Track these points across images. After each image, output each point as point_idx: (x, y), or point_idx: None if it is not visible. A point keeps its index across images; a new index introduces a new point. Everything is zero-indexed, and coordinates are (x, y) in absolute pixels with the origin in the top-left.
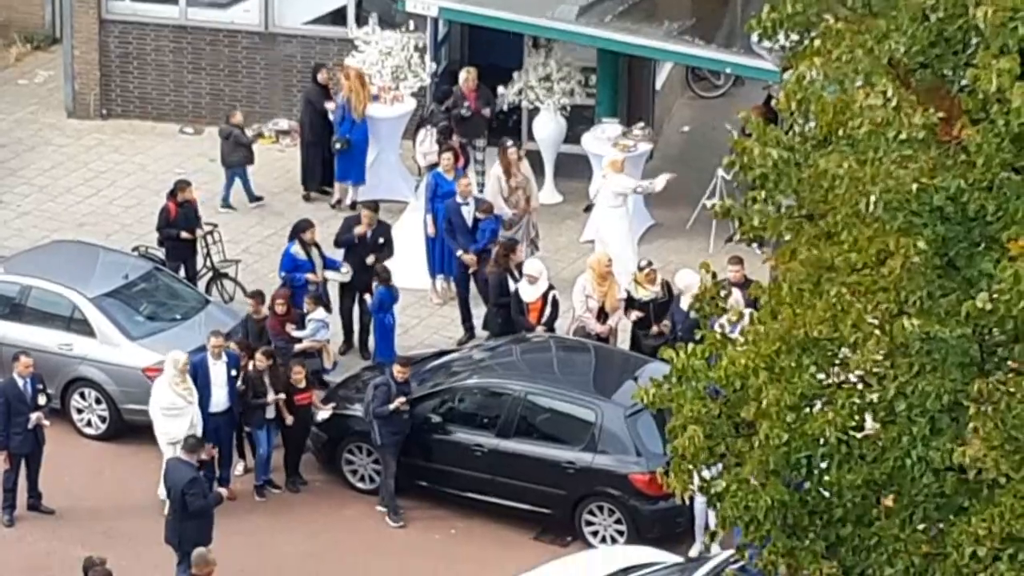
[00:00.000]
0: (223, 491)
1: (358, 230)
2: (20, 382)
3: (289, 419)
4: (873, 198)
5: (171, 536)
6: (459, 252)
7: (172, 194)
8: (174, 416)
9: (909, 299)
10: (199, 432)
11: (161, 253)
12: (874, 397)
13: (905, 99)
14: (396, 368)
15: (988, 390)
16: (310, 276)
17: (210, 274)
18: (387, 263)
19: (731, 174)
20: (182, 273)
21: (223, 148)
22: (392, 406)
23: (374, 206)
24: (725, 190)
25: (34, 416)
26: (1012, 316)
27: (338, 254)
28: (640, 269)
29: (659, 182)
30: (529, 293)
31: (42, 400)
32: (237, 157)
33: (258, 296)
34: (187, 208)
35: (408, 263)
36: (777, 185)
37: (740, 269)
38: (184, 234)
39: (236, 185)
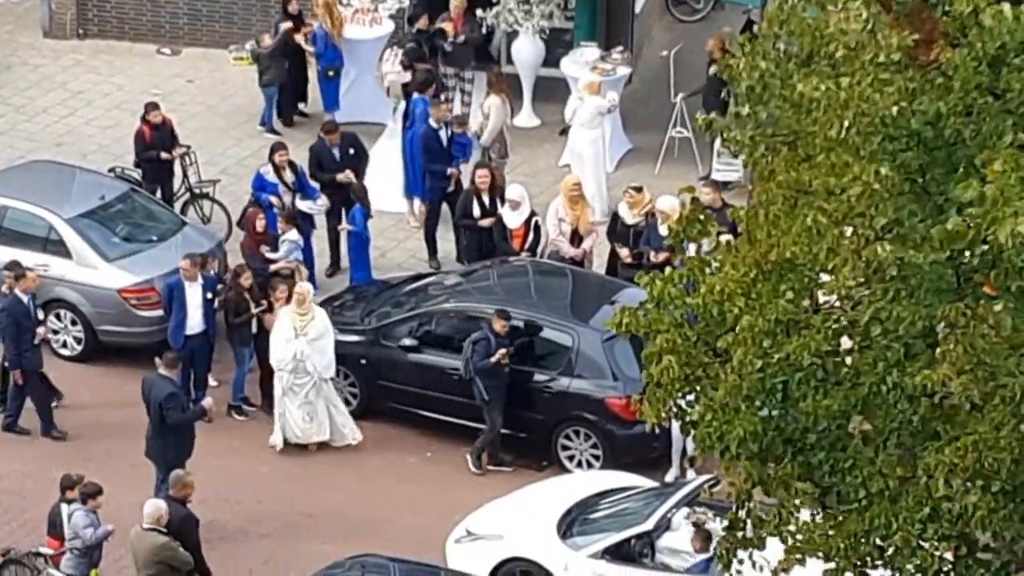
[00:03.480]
0: (207, 402)
1: (341, 176)
2: (24, 299)
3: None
4: (846, 123)
5: (151, 452)
6: (449, 171)
7: (143, 117)
8: (286, 343)
9: (877, 224)
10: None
11: (137, 174)
12: (849, 321)
13: (881, 21)
14: (496, 322)
15: (957, 314)
16: (273, 199)
17: (187, 195)
18: (365, 182)
19: (681, 98)
20: (159, 195)
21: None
22: (494, 358)
23: (333, 126)
24: (687, 116)
25: (41, 330)
26: (985, 239)
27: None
28: (625, 191)
29: (613, 94)
30: (512, 219)
31: (40, 315)
32: (267, 78)
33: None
34: (162, 130)
35: (385, 186)
36: (762, 98)
37: (712, 192)
38: (163, 154)
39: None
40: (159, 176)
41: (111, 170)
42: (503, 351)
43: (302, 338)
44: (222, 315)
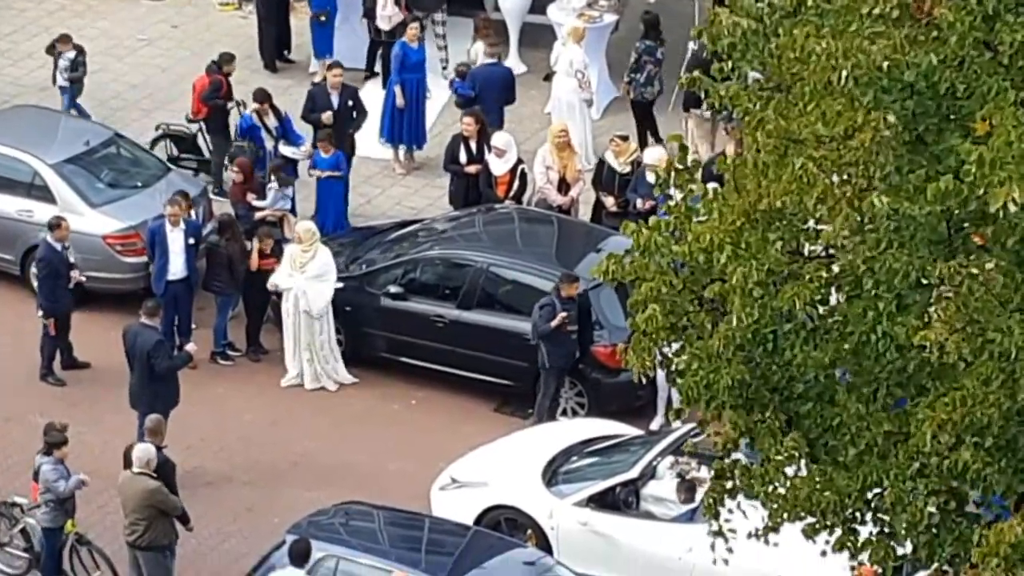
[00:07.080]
0: (191, 347)
1: (325, 116)
2: (59, 246)
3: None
4: (844, 73)
5: (136, 402)
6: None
7: (219, 68)
8: (286, 277)
9: (877, 174)
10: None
11: (189, 129)
12: (840, 270)
13: None
14: (563, 286)
15: (950, 272)
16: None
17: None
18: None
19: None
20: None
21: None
22: (554, 323)
23: (336, 63)
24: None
25: (74, 274)
26: (976, 198)
27: (305, 128)
28: (611, 140)
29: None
30: (497, 166)
31: (72, 259)
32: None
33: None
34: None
35: (371, 133)
36: (744, 55)
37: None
38: (228, 104)
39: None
40: (223, 127)
41: (158, 127)
42: (563, 315)
43: (299, 275)
44: (203, 262)
